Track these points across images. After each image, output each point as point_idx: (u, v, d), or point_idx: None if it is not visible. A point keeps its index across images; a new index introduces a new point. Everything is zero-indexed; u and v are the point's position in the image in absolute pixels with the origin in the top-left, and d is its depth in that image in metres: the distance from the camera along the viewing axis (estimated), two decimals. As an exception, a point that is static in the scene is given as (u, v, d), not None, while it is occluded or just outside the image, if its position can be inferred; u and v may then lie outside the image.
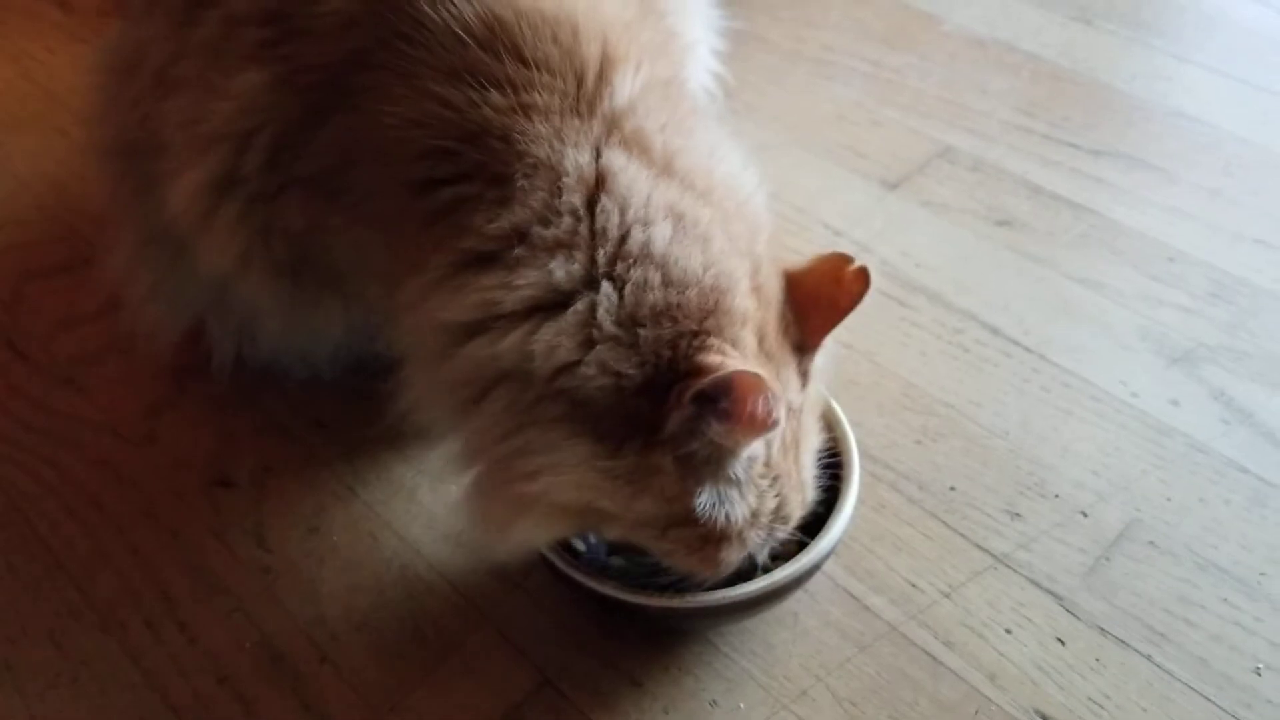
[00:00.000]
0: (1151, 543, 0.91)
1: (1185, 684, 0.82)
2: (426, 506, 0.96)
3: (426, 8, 0.75)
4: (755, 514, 0.74)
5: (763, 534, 0.75)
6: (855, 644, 0.85)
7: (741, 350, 0.70)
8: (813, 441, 0.80)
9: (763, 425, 0.68)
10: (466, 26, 0.75)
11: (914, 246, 1.18)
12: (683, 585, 0.78)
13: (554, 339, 0.70)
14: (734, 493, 0.72)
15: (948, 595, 0.88)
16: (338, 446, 1.01)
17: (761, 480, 0.73)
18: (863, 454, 0.87)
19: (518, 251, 0.71)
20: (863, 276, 0.73)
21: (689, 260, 0.71)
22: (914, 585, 0.89)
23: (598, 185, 0.73)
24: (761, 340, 0.73)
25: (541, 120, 0.74)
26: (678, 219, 0.72)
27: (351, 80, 0.79)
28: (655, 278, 0.70)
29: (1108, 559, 0.90)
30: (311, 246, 0.87)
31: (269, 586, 0.91)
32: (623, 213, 0.72)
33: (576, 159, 0.73)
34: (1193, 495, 0.94)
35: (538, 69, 0.74)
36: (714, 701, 0.83)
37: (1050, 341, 1.08)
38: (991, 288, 1.13)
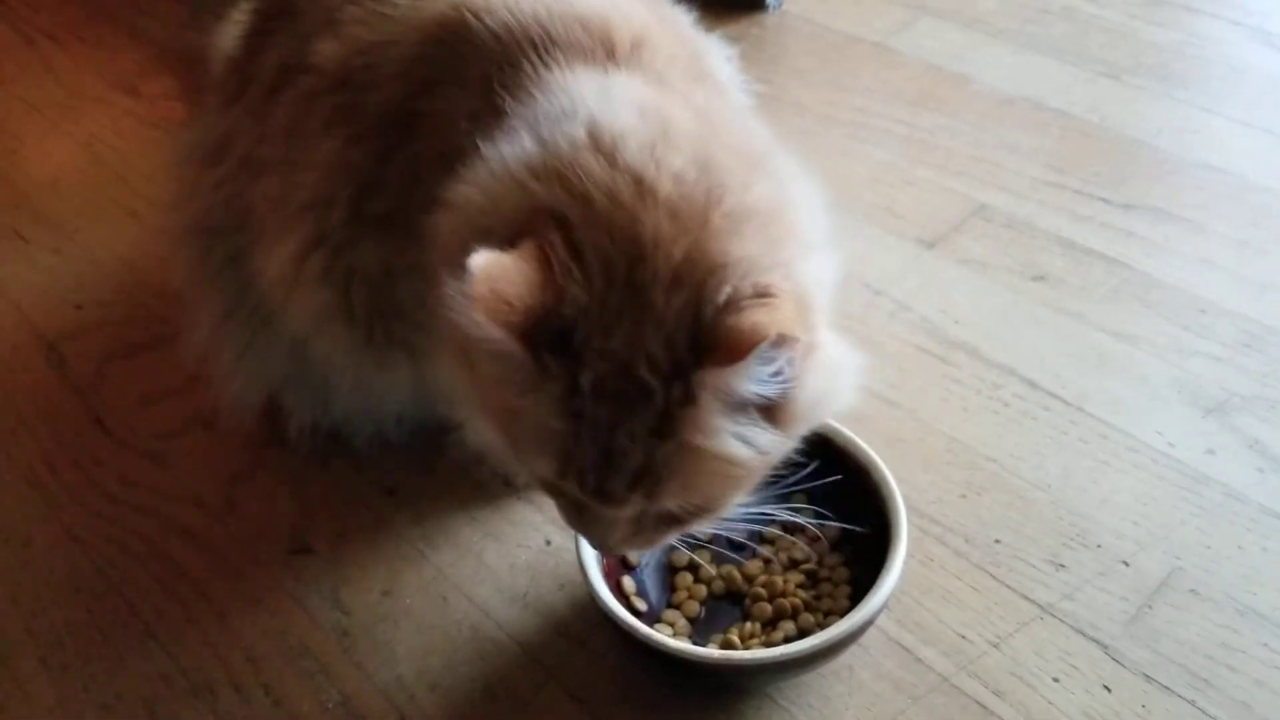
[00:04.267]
0: (1192, 590, 0.94)
1: (1229, 728, 0.85)
2: (493, 569, 1.01)
3: (473, 20, 0.83)
4: None
5: None
6: (909, 696, 0.89)
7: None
8: None
9: None
10: (508, 29, 0.82)
11: (952, 304, 1.22)
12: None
13: None
14: None
15: (996, 646, 0.92)
16: (407, 512, 1.07)
17: None
18: (909, 509, 0.91)
19: None
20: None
21: None
22: (963, 637, 0.92)
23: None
24: None
25: (560, 71, 0.79)
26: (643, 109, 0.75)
27: (415, 107, 0.85)
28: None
29: (1150, 607, 0.93)
30: (386, 293, 0.92)
31: (347, 649, 0.96)
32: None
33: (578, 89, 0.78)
34: (1230, 543, 0.98)
35: (566, 48, 0.81)
36: (775, 753, 0.87)
37: (1087, 394, 1.11)
38: (1029, 342, 1.17)
